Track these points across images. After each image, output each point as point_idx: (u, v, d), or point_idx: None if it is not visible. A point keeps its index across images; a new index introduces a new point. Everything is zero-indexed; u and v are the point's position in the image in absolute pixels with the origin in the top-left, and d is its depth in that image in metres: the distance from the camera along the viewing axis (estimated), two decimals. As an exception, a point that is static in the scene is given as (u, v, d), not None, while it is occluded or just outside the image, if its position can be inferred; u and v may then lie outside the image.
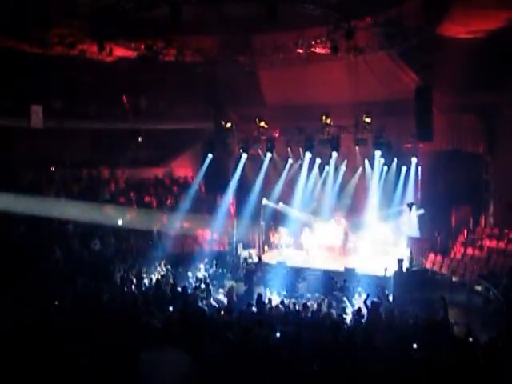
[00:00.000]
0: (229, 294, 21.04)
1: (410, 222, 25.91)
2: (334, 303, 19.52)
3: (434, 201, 26.58)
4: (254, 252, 28.12)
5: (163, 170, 33.75)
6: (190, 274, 24.16)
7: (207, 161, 30.17)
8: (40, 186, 27.60)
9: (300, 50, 25.33)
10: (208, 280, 22.92)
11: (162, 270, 23.84)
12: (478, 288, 20.71)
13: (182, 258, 25.71)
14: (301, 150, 28.54)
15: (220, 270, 25.26)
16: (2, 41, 23.17)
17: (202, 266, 24.95)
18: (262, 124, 27.69)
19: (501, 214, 25.34)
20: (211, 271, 24.83)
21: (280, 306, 18.15)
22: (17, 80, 25.34)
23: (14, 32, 22.61)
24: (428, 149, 26.43)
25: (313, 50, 25.14)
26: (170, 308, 15.98)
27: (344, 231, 28.02)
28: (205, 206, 31.35)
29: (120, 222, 27.20)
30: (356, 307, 19.12)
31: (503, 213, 25.16)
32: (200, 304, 18.30)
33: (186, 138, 33.17)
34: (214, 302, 19.95)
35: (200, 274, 24.07)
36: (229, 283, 22.79)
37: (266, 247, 29.17)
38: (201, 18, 23.80)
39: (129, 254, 25.66)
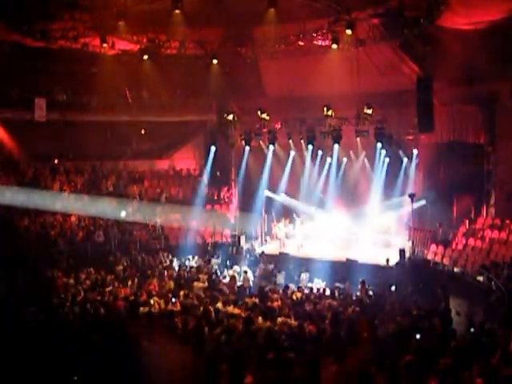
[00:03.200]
0: (231, 284, 21.13)
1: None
2: (336, 294, 19.63)
3: (435, 192, 26.68)
4: (256, 243, 28.21)
5: (166, 162, 33.80)
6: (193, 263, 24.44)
7: (211, 153, 30.16)
8: (44, 179, 27.75)
9: (301, 42, 25.38)
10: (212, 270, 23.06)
11: (165, 261, 23.98)
12: (480, 278, 20.74)
13: (185, 250, 25.85)
14: (302, 141, 28.59)
15: (223, 261, 25.40)
16: (5, 34, 23.26)
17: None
18: (264, 116, 27.69)
19: (502, 204, 25.38)
20: (214, 262, 24.92)
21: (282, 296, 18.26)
22: (20, 73, 25.45)
23: (17, 25, 22.69)
24: (429, 140, 26.49)
25: (314, 41, 25.20)
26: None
27: (346, 222, 28.09)
28: (207, 197, 31.42)
29: (123, 215, 27.35)
30: (358, 298, 19.26)
31: (504, 203, 25.20)
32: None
33: (188, 130, 33.27)
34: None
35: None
36: (231, 273, 22.86)
37: (268, 238, 29.27)
38: (202, 11, 23.90)
39: (132, 245, 25.87)
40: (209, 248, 27.05)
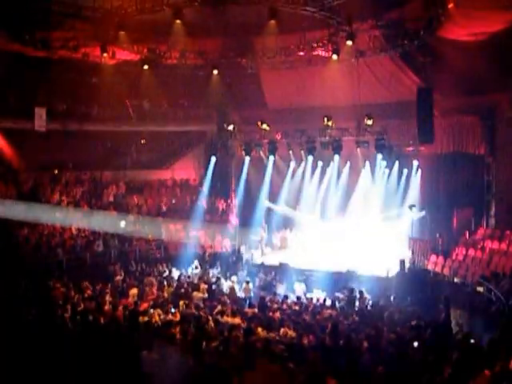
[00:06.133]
0: (231, 295, 21.07)
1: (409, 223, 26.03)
2: (337, 304, 19.59)
3: (435, 202, 26.68)
4: (256, 253, 28.15)
5: (166, 173, 33.76)
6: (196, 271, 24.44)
7: (212, 163, 30.15)
8: (43, 189, 27.71)
9: (302, 53, 25.44)
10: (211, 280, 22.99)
11: (165, 271, 23.91)
12: (480, 289, 20.67)
13: (185, 260, 25.79)
14: (302, 152, 28.62)
15: (222, 271, 25.33)
16: (6, 44, 23.28)
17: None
18: (264, 126, 27.74)
19: (502, 215, 25.35)
20: (214, 272, 24.86)
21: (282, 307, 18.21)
22: (20, 82, 25.46)
23: (17, 35, 22.72)
24: (429, 151, 26.51)
25: (314, 52, 25.26)
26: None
27: (346, 232, 28.04)
28: (207, 208, 31.38)
29: (122, 225, 27.28)
30: (357, 308, 19.21)
31: (504, 214, 25.17)
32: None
33: (188, 140, 33.32)
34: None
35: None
36: (230, 284, 22.79)
37: (268, 249, 29.22)
38: (203, 21, 23.96)
39: (131, 255, 25.83)
40: (208, 258, 26.97)
